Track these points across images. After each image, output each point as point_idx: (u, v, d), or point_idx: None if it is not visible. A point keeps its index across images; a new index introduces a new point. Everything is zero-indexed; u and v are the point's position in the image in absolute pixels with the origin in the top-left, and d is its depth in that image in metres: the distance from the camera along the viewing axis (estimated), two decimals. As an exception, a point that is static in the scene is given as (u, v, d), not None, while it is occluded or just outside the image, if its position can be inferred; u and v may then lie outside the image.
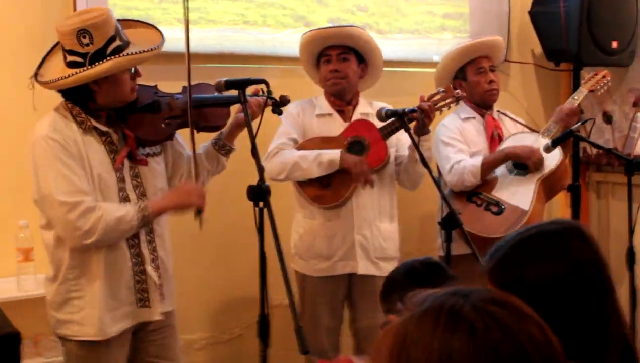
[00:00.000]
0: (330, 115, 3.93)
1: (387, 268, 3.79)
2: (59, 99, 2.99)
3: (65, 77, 2.86)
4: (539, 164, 4.08)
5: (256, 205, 2.89)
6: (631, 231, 4.26)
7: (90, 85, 2.90)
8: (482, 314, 1.14)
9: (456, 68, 4.31)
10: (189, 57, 3.07)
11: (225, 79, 3.11)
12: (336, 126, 3.88)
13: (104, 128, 2.99)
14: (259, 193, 2.86)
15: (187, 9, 3.07)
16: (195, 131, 3.12)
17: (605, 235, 5.41)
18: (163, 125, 3.14)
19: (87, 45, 2.84)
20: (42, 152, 2.85)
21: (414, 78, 4.80)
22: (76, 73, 2.84)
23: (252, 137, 2.97)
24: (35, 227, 3.47)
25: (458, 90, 3.92)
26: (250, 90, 3.21)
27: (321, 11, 4.56)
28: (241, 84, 3.08)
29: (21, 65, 3.62)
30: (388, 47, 4.64)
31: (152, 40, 3.06)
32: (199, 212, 3.08)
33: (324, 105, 3.96)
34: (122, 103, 3.03)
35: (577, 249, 1.74)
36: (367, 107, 3.98)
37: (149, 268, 3.06)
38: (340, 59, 3.87)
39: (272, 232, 2.79)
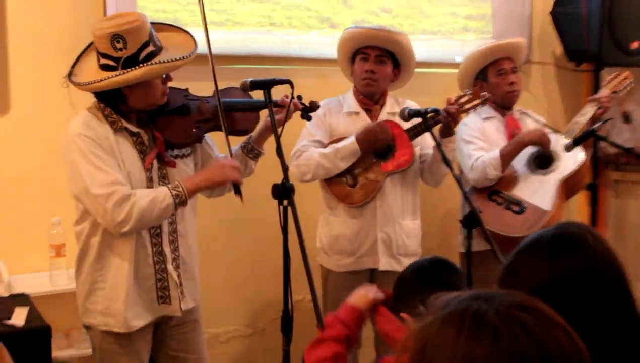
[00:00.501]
0: (357, 113, 3.91)
1: (408, 263, 3.78)
2: (93, 97, 3.00)
3: (97, 81, 2.86)
4: (546, 140, 4.08)
5: (280, 203, 2.90)
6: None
7: (123, 88, 2.90)
8: (506, 319, 1.10)
9: (478, 69, 4.28)
10: (212, 61, 3.06)
11: (250, 79, 3.11)
12: (363, 124, 3.84)
13: (134, 129, 2.99)
14: (283, 192, 2.88)
15: (203, 14, 3.05)
16: (225, 135, 3.10)
17: (624, 233, 5.38)
18: (193, 128, 3.14)
19: (121, 50, 2.85)
20: (76, 148, 2.86)
21: (437, 78, 4.80)
22: (109, 78, 2.84)
23: (277, 137, 2.98)
24: (67, 223, 3.48)
25: (485, 93, 3.88)
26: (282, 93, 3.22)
27: (346, 13, 4.55)
28: (266, 85, 3.08)
29: (54, 66, 3.61)
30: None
31: (185, 45, 3.05)
32: (236, 187, 3.05)
33: (352, 103, 3.93)
34: (153, 106, 3.02)
35: (591, 248, 1.74)
36: (395, 106, 3.95)
37: (170, 268, 3.07)
38: (378, 61, 3.84)
39: (296, 230, 2.79)
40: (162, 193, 2.90)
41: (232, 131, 3.19)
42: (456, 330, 1.10)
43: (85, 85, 2.91)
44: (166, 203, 2.89)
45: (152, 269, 3.04)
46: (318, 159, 3.73)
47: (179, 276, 3.10)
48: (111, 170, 2.86)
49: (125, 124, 2.97)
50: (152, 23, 2.99)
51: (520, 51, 4.35)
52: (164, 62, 2.90)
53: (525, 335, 1.08)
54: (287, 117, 3.22)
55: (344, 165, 3.75)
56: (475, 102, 3.79)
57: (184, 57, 2.94)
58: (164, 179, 3.05)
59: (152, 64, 2.87)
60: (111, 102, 2.96)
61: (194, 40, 3.08)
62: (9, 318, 2.81)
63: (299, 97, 3.32)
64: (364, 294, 2.38)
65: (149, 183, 3.01)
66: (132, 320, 2.99)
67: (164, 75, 2.99)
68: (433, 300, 1.21)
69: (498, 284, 1.78)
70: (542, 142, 4.09)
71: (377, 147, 3.79)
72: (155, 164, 3.03)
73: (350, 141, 3.73)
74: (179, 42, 3.07)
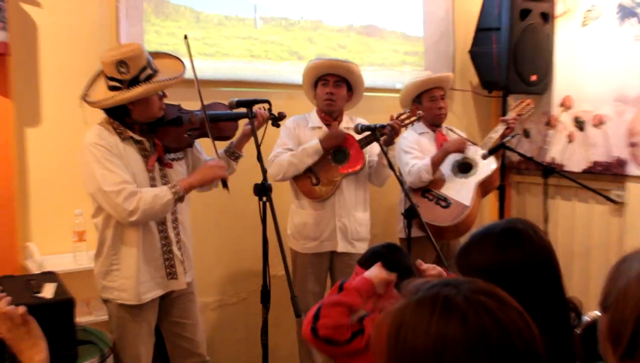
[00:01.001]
0: (320, 128, 3.84)
1: (360, 246, 3.84)
2: (102, 113, 2.96)
3: (107, 99, 2.84)
4: (464, 146, 4.10)
5: (260, 199, 2.85)
6: (545, 220, 4.24)
7: (127, 104, 2.87)
8: (473, 304, 1.03)
9: (415, 94, 4.25)
10: (198, 83, 3.01)
11: (236, 99, 3.09)
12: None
13: (138, 137, 2.95)
14: (262, 190, 2.84)
15: (188, 47, 3.01)
16: (211, 140, 3.07)
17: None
18: (185, 135, 3.09)
19: (125, 73, 2.81)
20: (90, 155, 2.80)
21: (381, 101, 4.73)
22: (115, 96, 2.82)
23: (257, 145, 2.97)
24: (87, 214, 3.44)
25: (420, 111, 3.91)
26: (256, 108, 3.17)
27: (311, 48, 4.47)
28: (249, 103, 3.07)
29: (76, 88, 3.57)
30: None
31: (175, 68, 3.01)
32: (224, 182, 3.00)
33: (316, 120, 3.87)
34: (153, 119, 2.98)
35: (532, 242, 1.67)
36: (349, 122, 3.89)
37: (175, 249, 3.03)
38: (336, 85, 3.79)
39: (273, 220, 2.76)
40: (164, 191, 2.86)
41: (217, 137, 3.14)
42: (429, 313, 1.03)
43: (97, 103, 2.88)
44: (167, 199, 2.85)
45: (160, 251, 3.00)
46: (289, 159, 3.68)
47: (182, 255, 3.07)
48: (120, 172, 2.81)
49: (131, 134, 2.94)
50: (150, 53, 2.96)
51: (448, 82, 4.32)
52: (159, 81, 2.87)
53: (489, 317, 1.02)
54: (262, 124, 3.20)
55: (309, 161, 3.69)
56: (412, 118, 3.81)
57: (175, 78, 2.92)
58: (164, 178, 3.01)
59: (150, 83, 2.83)
60: (118, 116, 2.93)
61: (183, 63, 3.04)
62: (39, 292, 2.66)
63: (270, 110, 3.26)
64: (379, 272, 2.25)
65: (152, 182, 2.96)
66: (144, 294, 2.96)
67: (161, 93, 2.95)
68: (405, 284, 1.13)
69: (454, 261, 1.72)
70: (460, 148, 4.10)
71: (334, 145, 3.74)
72: (157, 166, 2.99)
73: (315, 142, 3.70)
74: (170, 65, 3.03)
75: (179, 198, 2.90)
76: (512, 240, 1.66)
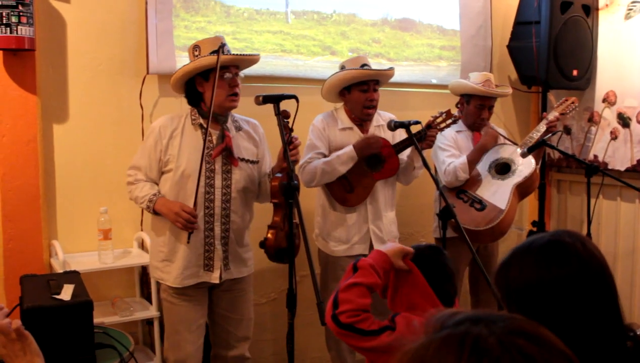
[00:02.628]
0: (351, 128, 3.60)
1: None
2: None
3: (175, 72, 3.03)
4: (495, 140, 3.96)
5: (287, 200, 2.68)
6: (589, 221, 3.98)
7: (197, 87, 2.99)
8: (508, 347, 0.80)
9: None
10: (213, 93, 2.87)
11: (262, 94, 2.89)
12: (356, 137, 3.56)
13: (205, 126, 3.00)
14: (289, 190, 2.66)
15: (217, 62, 2.94)
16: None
17: (563, 222, 5.16)
18: None
19: (197, 56, 2.97)
20: (146, 136, 3.13)
21: (417, 96, 4.56)
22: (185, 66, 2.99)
23: (284, 144, 2.80)
24: (112, 212, 3.38)
25: (455, 113, 3.66)
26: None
27: (344, 43, 4.29)
28: (276, 99, 2.87)
29: (105, 85, 3.56)
30: (396, 71, 4.41)
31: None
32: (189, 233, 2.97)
33: (346, 120, 3.61)
34: (223, 108, 3.03)
35: (582, 255, 1.43)
36: (379, 120, 3.68)
37: (217, 243, 3.04)
38: (374, 90, 3.55)
39: (299, 221, 2.62)
40: (147, 197, 2.99)
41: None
42: (455, 357, 0.80)
43: (171, 78, 3.05)
44: (143, 206, 3.02)
45: (202, 242, 3.03)
46: (321, 166, 3.45)
47: (225, 251, 3.07)
48: (146, 159, 3.02)
49: (201, 121, 3.02)
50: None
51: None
52: (228, 53, 2.95)
53: None
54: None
55: (343, 169, 3.46)
56: (448, 121, 3.60)
57: (244, 54, 3.06)
58: (226, 173, 3.04)
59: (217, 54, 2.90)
60: (193, 100, 3.04)
61: (258, 56, 3.18)
62: (58, 293, 2.54)
63: (285, 111, 3.03)
64: (394, 245, 2.11)
65: (209, 173, 3.00)
66: (185, 280, 3.03)
67: (230, 78, 2.98)
68: (428, 317, 0.90)
69: (493, 278, 1.48)
70: (492, 142, 3.94)
71: (370, 154, 3.51)
72: (221, 159, 3.02)
73: (349, 149, 3.46)
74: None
75: (149, 209, 3.01)
76: (556, 256, 1.41)
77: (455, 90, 4.12)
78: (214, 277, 3.04)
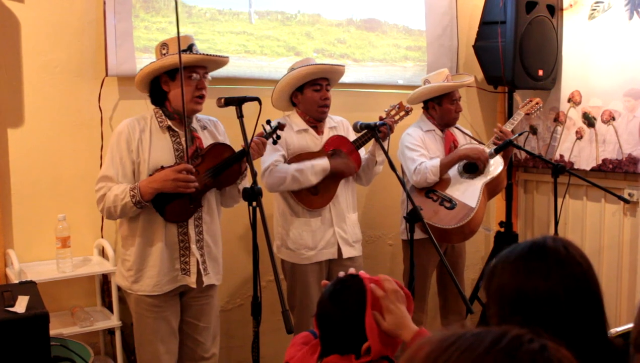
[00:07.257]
0: (306, 130, 3.51)
1: (359, 247, 3.64)
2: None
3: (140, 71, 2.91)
4: (486, 161, 3.81)
5: (250, 204, 2.60)
6: (556, 221, 3.98)
7: (163, 85, 2.89)
8: None
9: (433, 96, 3.92)
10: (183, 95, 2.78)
11: (225, 97, 2.81)
12: (312, 139, 3.50)
13: (175, 128, 2.93)
14: (252, 195, 2.59)
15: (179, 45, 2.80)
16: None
17: (530, 222, 5.16)
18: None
19: (164, 54, 2.88)
20: (111, 142, 2.91)
21: (383, 97, 4.49)
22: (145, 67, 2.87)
23: (247, 147, 2.73)
24: (71, 218, 3.28)
25: (408, 106, 3.65)
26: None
27: (309, 43, 4.22)
28: (238, 101, 2.78)
29: (62, 86, 3.47)
30: (362, 72, 4.37)
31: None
32: (190, 197, 2.85)
33: (300, 122, 3.52)
34: (190, 111, 2.90)
35: (564, 261, 1.38)
36: (331, 121, 3.62)
37: (193, 247, 2.93)
38: (327, 89, 3.49)
39: (263, 226, 2.51)
40: (124, 193, 2.76)
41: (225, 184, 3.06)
42: None
43: (137, 77, 2.92)
44: (125, 202, 2.76)
45: (177, 246, 2.92)
46: (293, 173, 3.34)
47: (201, 255, 2.98)
48: (116, 166, 2.83)
49: (169, 123, 2.92)
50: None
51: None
52: (195, 53, 2.86)
53: None
54: (259, 154, 3.07)
55: (314, 180, 3.39)
56: (402, 113, 3.60)
57: (215, 55, 2.93)
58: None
59: (184, 53, 2.79)
60: (158, 100, 2.93)
61: (227, 58, 3.07)
62: (13, 305, 2.43)
63: (268, 121, 3.04)
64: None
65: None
66: (163, 286, 2.91)
67: (198, 79, 2.89)
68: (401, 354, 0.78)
69: (483, 286, 1.43)
70: (480, 159, 3.80)
71: (344, 172, 3.49)
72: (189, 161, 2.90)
73: (324, 163, 3.39)
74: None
75: (137, 202, 2.75)
76: (537, 261, 1.36)
77: (422, 96, 3.96)
78: (191, 282, 2.95)
